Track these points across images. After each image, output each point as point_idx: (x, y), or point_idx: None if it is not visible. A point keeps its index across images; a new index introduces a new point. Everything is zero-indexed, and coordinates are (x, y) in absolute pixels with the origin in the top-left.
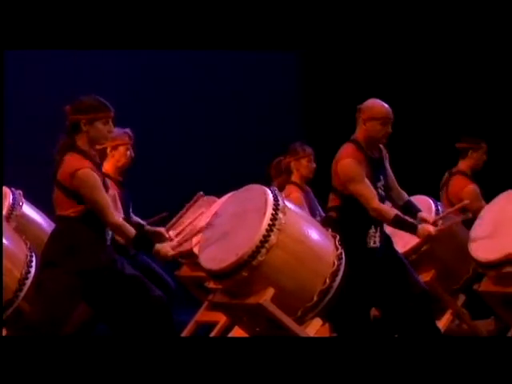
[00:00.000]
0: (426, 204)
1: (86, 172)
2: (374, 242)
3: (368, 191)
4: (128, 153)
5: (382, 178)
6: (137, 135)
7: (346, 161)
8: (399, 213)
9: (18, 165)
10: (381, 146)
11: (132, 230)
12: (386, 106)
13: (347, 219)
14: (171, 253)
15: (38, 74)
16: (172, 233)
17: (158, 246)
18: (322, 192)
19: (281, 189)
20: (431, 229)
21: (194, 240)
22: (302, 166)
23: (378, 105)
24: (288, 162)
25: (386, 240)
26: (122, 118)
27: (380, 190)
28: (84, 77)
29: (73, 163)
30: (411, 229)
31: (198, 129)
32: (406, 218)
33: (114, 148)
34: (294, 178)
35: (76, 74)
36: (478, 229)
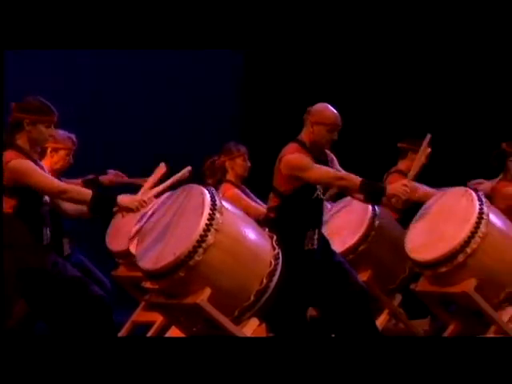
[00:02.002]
0: (362, 204)
1: (15, 161)
2: (312, 244)
3: (322, 171)
4: (67, 158)
5: None
6: (84, 135)
7: (291, 155)
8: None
9: None
10: (326, 150)
11: (86, 191)
12: (336, 112)
13: (286, 220)
14: (138, 197)
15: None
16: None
17: (121, 196)
18: (255, 192)
19: (216, 188)
20: (404, 181)
21: (130, 241)
22: (237, 164)
23: (327, 110)
24: (223, 162)
25: (324, 242)
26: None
27: (319, 192)
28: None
29: (6, 159)
30: (382, 190)
31: (138, 126)
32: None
33: (55, 150)
34: (229, 176)
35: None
36: (414, 229)
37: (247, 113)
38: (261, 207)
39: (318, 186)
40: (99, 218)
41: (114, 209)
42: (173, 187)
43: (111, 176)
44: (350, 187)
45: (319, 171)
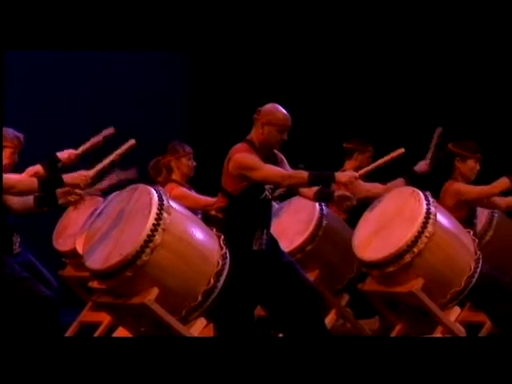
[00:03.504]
0: (309, 204)
1: None
2: (260, 245)
3: (270, 170)
4: (13, 157)
5: None
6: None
7: (240, 154)
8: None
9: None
10: (275, 150)
11: (32, 179)
12: (286, 113)
13: (234, 220)
14: (83, 172)
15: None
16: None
17: (65, 175)
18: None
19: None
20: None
21: (78, 240)
22: (183, 164)
23: (278, 111)
24: (168, 161)
25: (273, 242)
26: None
27: (267, 193)
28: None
29: None
30: (330, 177)
31: (84, 127)
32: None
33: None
34: (175, 176)
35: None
36: (362, 229)
37: (194, 113)
38: (210, 198)
39: (266, 186)
40: (46, 210)
41: (61, 200)
42: (116, 164)
43: (68, 152)
44: (299, 184)
45: (267, 170)
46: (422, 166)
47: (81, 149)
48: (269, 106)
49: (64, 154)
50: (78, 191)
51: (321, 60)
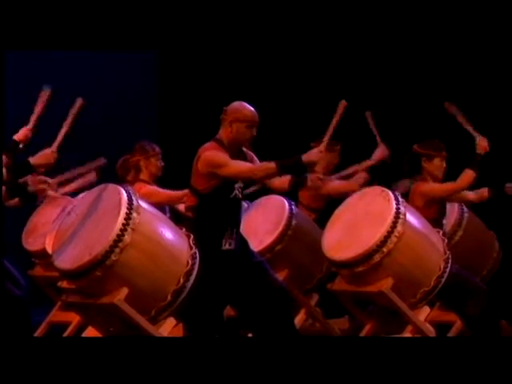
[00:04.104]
0: (279, 203)
1: None
2: (230, 244)
3: (239, 166)
4: None
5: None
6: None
7: (209, 152)
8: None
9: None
10: (244, 149)
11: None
12: (252, 109)
13: (204, 220)
14: (48, 151)
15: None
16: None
17: (33, 157)
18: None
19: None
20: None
21: (48, 240)
22: (152, 164)
23: (244, 108)
24: (137, 160)
25: (242, 242)
26: None
27: (237, 192)
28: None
29: None
30: (298, 160)
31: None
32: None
33: None
34: (143, 175)
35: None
36: (331, 228)
37: (162, 113)
38: (180, 191)
39: (235, 186)
40: (18, 203)
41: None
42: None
43: (22, 131)
44: (269, 174)
45: (236, 166)
46: (377, 155)
47: (31, 123)
48: (235, 104)
49: (19, 135)
50: (45, 183)
51: (287, 59)
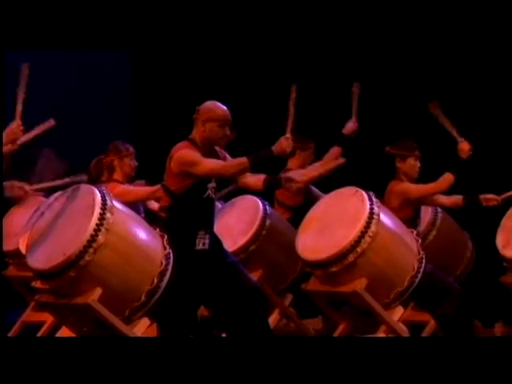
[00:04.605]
0: (253, 204)
1: None
2: (204, 244)
3: (211, 164)
4: None
5: (213, 179)
6: None
7: (181, 151)
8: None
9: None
10: (217, 148)
11: None
12: (225, 108)
13: (177, 220)
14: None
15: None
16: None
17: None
18: None
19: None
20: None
21: (21, 240)
22: (125, 164)
23: (217, 107)
24: (111, 160)
25: (216, 242)
26: None
27: (210, 192)
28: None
29: None
30: (269, 152)
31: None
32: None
33: None
34: (117, 175)
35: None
36: (305, 228)
37: (136, 113)
38: (152, 187)
39: (209, 186)
40: None
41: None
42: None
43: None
44: (242, 169)
45: (208, 164)
46: (348, 127)
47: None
48: (207, 104)
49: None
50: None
51: (261, 60)
